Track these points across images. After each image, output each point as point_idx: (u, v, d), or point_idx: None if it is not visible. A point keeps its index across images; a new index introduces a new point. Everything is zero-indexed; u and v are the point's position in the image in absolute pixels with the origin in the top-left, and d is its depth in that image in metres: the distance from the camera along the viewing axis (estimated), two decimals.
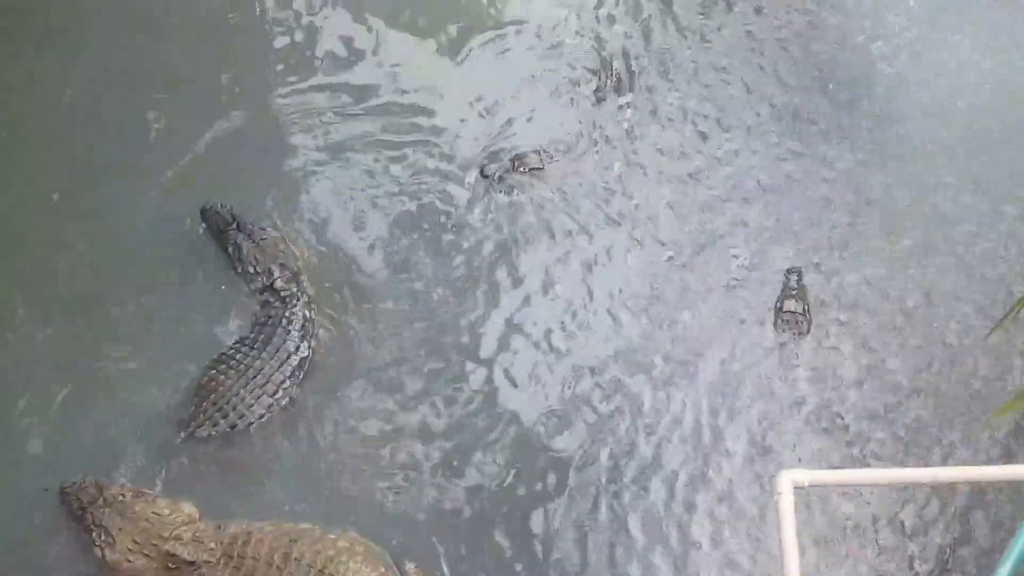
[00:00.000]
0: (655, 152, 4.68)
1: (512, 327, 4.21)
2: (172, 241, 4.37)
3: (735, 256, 4.38)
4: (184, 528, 3.49)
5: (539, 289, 4.31)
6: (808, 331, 4.10)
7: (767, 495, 3.73)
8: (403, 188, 4.56)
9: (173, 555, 3.42)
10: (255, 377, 3.84)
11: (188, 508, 3.58)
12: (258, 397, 3.82)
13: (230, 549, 3.41)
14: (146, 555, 3.45)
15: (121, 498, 3.56)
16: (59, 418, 3.92)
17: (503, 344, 4.15)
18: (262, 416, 3.82)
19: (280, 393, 3.87)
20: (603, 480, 3.83)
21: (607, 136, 4.75)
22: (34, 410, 3.93)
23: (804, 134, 4.74)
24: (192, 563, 3.41)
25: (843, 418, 3.96)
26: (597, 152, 4.69)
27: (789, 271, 4.23)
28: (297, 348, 3.97)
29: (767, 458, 3.86)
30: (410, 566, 3.52)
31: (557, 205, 4.53)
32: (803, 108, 4.82)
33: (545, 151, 4.66)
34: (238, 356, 3.91)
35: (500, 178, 4.56)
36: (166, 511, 3.53)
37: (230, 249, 4.25)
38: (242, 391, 3.81)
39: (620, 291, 4.29)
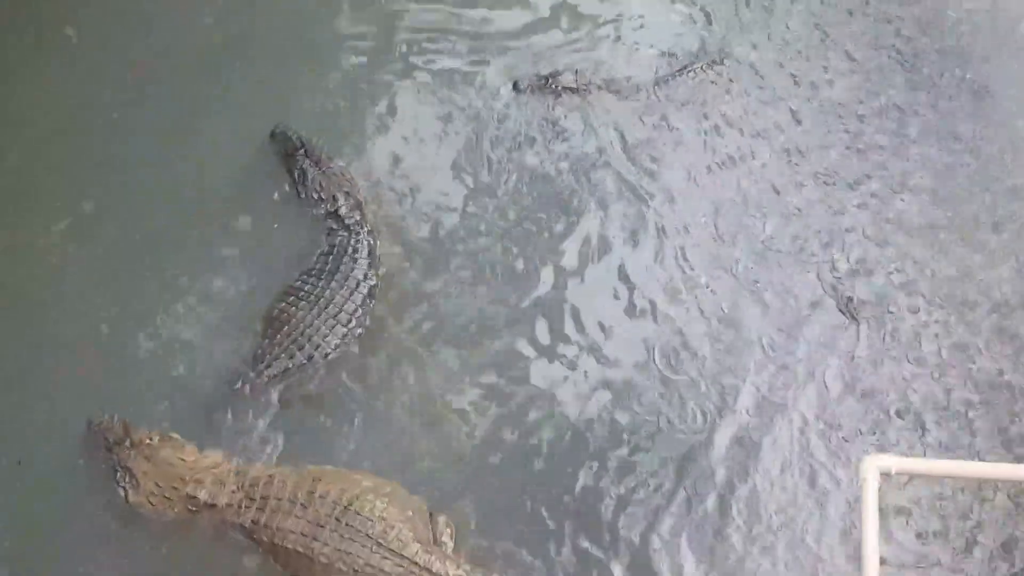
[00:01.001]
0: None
1: (584, 270, 4.14)
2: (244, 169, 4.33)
3: None
4: (206, 472, 3.47)
5: (627, 238, 4.22)
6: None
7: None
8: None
9: (194, 498, 3.42)
10: (327, 307, 3.77)
11: (214, 454, 3.57)
12: (332, 327, 3.76)
13: (252, 491, 3.39)
14: (167, 498, 3.45)
15: (148, 442, 3.54)
16: (123, 356, 3.88)
17: (571, 285, 4.09)
18: (337, 347, 3.77)
19: (353, 322, 3.81)
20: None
21: None
22: (104, 344, 3.90)
23: None
24: (213, 505, 3.41)
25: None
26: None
27: None
28: (366, 276, 3.90)
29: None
30: (441, 518, 3.50)
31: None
32: None
33: (582, 73, 4.57)
34: (307, 287, 3.83)
35: (532, 92, 4.51)
36: (190, 456, 3.53)
37: (295, 174, 4.17)
38: (316, 321, 3.74)
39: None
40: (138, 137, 4.40)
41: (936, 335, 4.02)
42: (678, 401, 3.84)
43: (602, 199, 4.31)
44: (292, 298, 3.81)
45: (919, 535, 3.62)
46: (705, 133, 4.53)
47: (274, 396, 3.75)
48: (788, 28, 4.90)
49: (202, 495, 3.41)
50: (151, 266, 4.08)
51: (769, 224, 4.28)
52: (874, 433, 3.81)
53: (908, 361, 3.97)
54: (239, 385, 3.73)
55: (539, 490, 3.66)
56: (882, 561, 2.49)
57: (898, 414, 3.86)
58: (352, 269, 3.88)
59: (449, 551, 3.40)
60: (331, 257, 3.93)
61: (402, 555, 3.25)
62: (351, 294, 3.83)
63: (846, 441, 3.78)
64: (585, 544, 3.57)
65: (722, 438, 3.76)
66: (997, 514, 3.67)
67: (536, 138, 4.47)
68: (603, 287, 4.12)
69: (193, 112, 4.48)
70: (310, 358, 3.74)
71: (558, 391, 3.86)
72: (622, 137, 4.51)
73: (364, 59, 4.66)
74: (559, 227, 4.24)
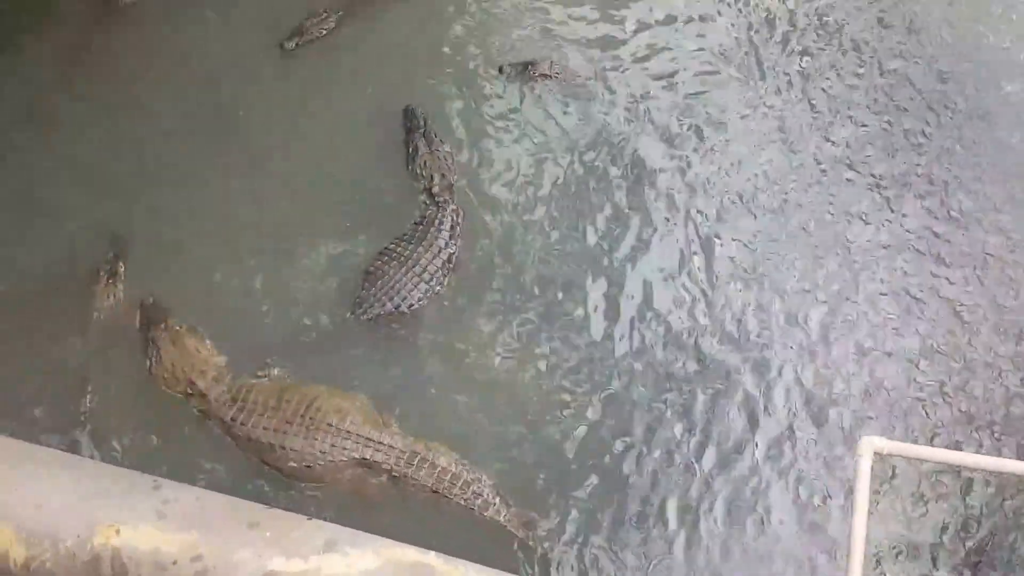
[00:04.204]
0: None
1: (645, 258, 4.72)
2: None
3: None
4: (211, 367, 4.30)
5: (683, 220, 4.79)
6: None
7: None
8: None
9: (194, 384, 4.24)
10: (414, 267, 4.57)
11: (223, 357, 4.34)
12: (416, 284, 4.56)
13: (236, 394, 4.19)
14: (176, 377, 4.27)
15: (177, 328, 4.41)
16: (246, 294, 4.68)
17: (633, 270, 4.68)
18: (420, 299, 4.56)
19: (434, 281, 4.59)
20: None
21: None
22: (233, 277, 4.69)
23: None
24: (204, 396, 4.22)
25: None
26: None
27: None
28: (447, 244, 4.68)
29: None
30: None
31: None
32: None
33: (557, 63, 5.26)
34: (399, 249, 4.64)
35: (511, 77, 5.20)
36: (204, 351, 4.34)
37: (409, 149, 4.98)
38: (403, 278, 4.55)
39: None
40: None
41: None
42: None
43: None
44: (386, 257, 4.62)
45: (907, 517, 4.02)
46: None
47: (365, 334, 4.54)
48: None
49: (200, 384, 4.23)
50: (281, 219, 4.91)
51: None
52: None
53: None
54: (350, 315, 4.55)
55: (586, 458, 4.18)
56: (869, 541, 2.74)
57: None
58: (436, 238, 4.66)
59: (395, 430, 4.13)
60: (420, 226, 4.73)
61: (358, 434, 4.02)
62: (434, 258, 4.61)
63: None
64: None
65: None
66: (981, 504, 4.04)
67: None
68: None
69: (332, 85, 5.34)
70: (397, 308, 4.55)
71: (606, 362, 4.42)
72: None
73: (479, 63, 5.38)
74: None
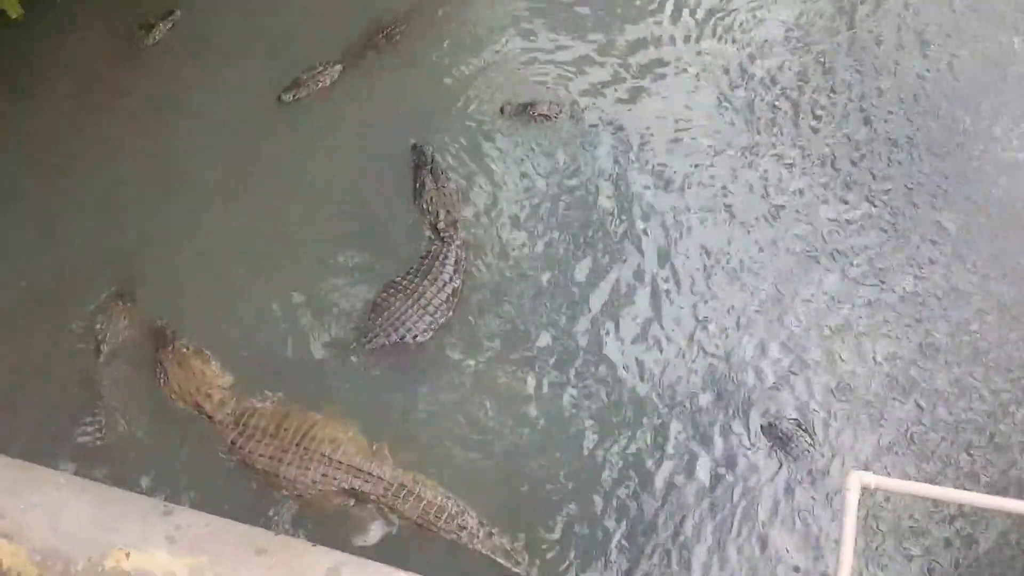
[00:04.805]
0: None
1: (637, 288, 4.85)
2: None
3: None
4: (216, 389, 4.44)
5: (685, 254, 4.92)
6: None
7: None
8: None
9: (200, 406, 4.39)
10: (419, 299, 4.71)
11: (229, 377, 4.50)
12: (421, 316, 4.70)
13: (239, 418, 4.35)
14: (183, 398, 4.43)
15: (184, 350, 4.56)
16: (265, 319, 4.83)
17: (624, 299, 4.81)
18: (424, 331, 4.69)
19: (438, 313, 4.73)
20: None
21: None
22: (242, 305, 4.85)
23: None
24: (211, 417, 4.38)
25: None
26: None
27: None
28: (451, 279, 4.82)
29: None
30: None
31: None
32: None
33: (556, 103, 5.41)
34: (404, 282, 4.78)
35: (512, 117, 5.35)
36: (210, 372, 4.48)
37: (416, 184, 5.14)
38: (409, 310, 4.69)
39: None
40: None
41: None
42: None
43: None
44: (392, 290, 4.76)
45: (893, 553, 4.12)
46: None
47: (368, 363, 4.66)
48: None
49: (206, 406, 4.41)
50: (290, 251, 5.06)
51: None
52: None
53: None
54: (355, 344, 4.68)
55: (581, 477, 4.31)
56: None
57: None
58: (441, 272, 4.81)
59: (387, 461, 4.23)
60: (426, 260, 4.88)
61: (348, 464, 4.14)
62: (438, 291, 4.75)
63: None
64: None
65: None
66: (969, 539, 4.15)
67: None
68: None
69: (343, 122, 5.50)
70: (402, 338, 4.69)
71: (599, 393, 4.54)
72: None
73: (484, 105, 5.52)
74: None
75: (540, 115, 5.39)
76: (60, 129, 5.53)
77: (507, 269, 4.96)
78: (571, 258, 4.97)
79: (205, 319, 4.82)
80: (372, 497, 4.14)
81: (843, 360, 4.63)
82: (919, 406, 4.49)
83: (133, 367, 4.69)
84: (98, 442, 4.42)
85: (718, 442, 4.42)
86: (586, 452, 4.41)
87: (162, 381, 4.53)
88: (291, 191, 5.28)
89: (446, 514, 4.09)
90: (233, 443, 4.29)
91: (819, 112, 5.44)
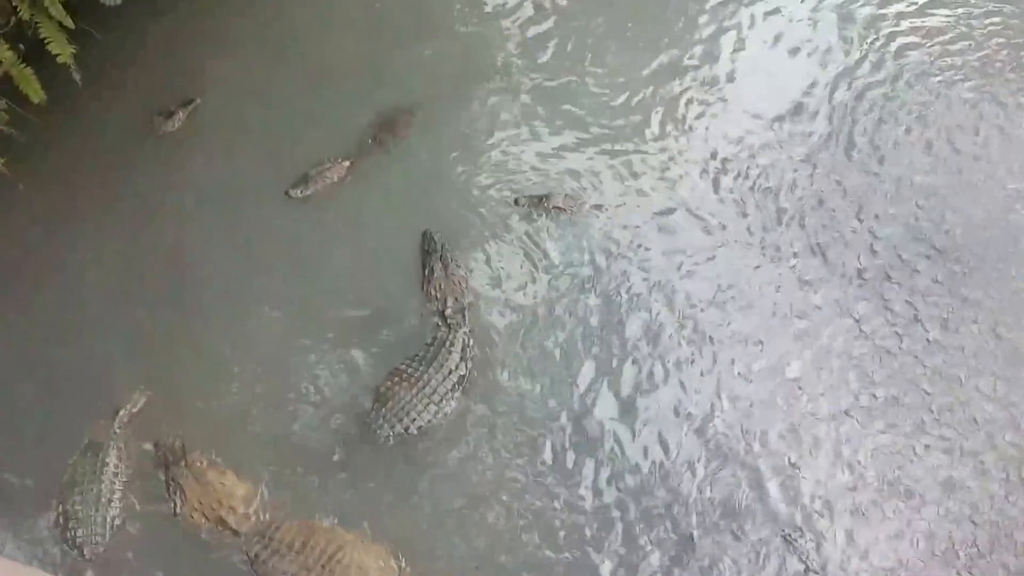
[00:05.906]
0: None
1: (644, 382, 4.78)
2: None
3: None
4: (240, 502, 4.24)
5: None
6: None
7: None
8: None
9: (224, 521, 4.18)
10: (424, 388, 4.60)
11: (247, 487, 4.30)
12: (426, 405, 4.58)
13: (263, 530, 4.16)
14: (204, 516, 4.21)
15: (198, 465, 4.34)
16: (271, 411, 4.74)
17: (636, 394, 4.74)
18: (429, 421, 4.57)
19: (444, 402, 4.61)
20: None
21: None
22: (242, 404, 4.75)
23: None
24: (235, 532, 4.18)
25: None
26: None
27: None
28: (457, 366, 4.71)
29: None
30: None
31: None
32: None
33: (571, 197, 5.36)
34: (409, 370, 4.68)
35: (526, 208, 5.31)
36: (229, 484, 4.28)
37: (425, 270, 5.09)
38: (413, 399, 4.58)
39: None
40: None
41: None
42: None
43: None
44: (396, 378, 4.65)
45: None
46: None
47: (378, 463, 4.54)
48: None
49: (231, 521, 4.22)
50: (299, 334, 5.01)
51: None
52: None
53: None
54: (360, 439, 4.55)
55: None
56: None
57: None
58: (447, 359, 4.71)
59: None
60: (431, 347, 4.78)
61: None
62: (444, 379, 4.64)
63: None
64: None
65: None
66: None
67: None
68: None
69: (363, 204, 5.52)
70: (406, 429, 4.56)
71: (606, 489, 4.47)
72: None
73: (493, 195, 5.51)
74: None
75: (555, 207, 5.33)
76: (76, 222, 5.55)
77: (517, 358, 4.87)
78: (583, 353, 4.88)
79: (212, 428, 4.66)
80: None
81: None
82: None
83: (138, 489, 4.48)
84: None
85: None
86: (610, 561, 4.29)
87: (179, 502, 4.28)
88: (299, 286, 5.22)
89: None
90: (256, 556, 4.11)
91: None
